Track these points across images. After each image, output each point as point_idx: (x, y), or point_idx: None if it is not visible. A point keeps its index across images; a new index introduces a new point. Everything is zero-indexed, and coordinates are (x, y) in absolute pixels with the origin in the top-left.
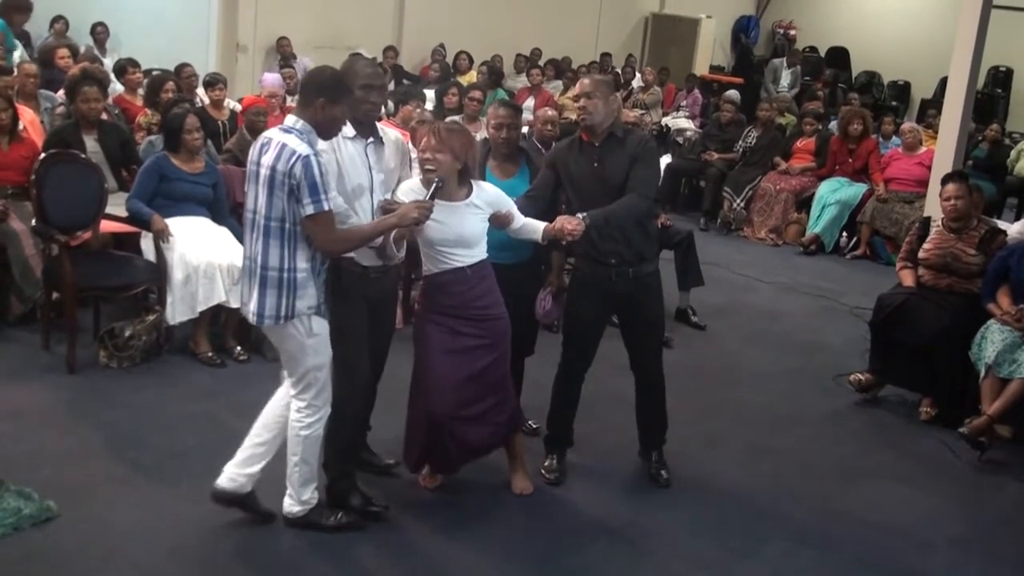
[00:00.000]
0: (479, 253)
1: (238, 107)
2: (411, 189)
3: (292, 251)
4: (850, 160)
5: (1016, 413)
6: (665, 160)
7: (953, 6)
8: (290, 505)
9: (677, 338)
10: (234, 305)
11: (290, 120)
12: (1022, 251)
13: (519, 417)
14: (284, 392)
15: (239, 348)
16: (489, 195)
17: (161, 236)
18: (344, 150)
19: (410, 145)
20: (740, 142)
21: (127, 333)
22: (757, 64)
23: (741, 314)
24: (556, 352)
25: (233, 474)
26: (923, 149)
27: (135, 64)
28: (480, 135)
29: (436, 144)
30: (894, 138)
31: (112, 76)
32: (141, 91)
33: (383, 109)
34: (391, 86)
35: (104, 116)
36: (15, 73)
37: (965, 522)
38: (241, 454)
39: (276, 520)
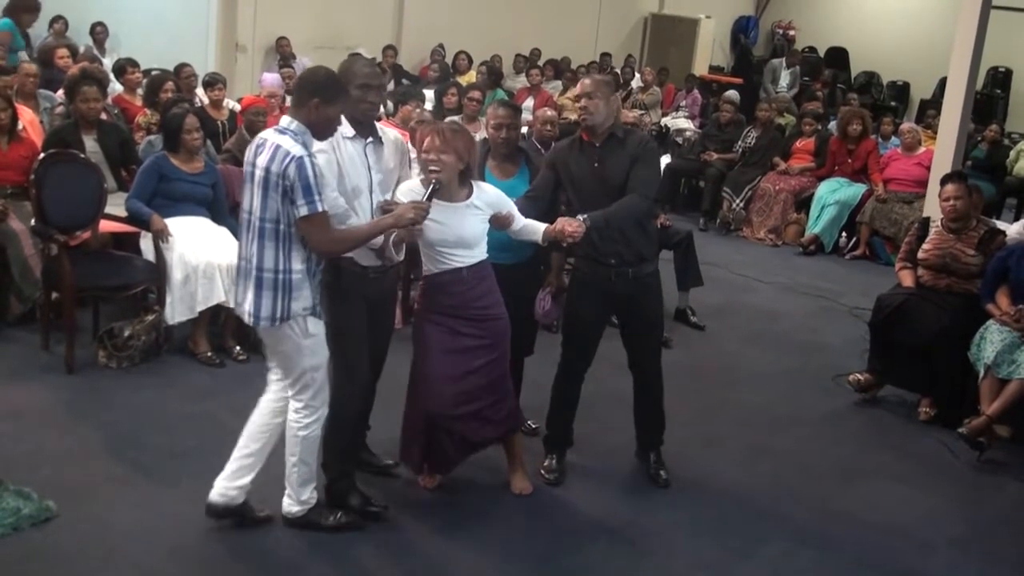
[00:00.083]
0: (479, 254)
1: (237, 107)
2: (411, 190)
3: (287, 252)
4: (849, 160)
5: (1015, 413)
6: (664, 160)
7: (952, 6)
8: (289, 505)
9: (676, 338)
10: (232, 305)
11: (284, 121)
12: (1021, 251)
13: (518, 417)
14: (268, 401)
15: (238, 348)
16: (490, 196)
17: (160, 236)
18: (343, 150)
19: (409, 145)
20: (739, 142)
21: (126, 333)
22: (756, 64)
23: (740, 314)
24: (556, 352)
25: (223, 488)
26: (922, 149)
27: (134, 64)
28: (479, 135)
29: (440, 144)
30: (893, 138)
31: (111, 76)
32: (140, 91)
33: (382, 109)
34: (390, 86)
35: (103, 116)
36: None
37: (964, 522)
38: (230, 466)
39: (275, 520)
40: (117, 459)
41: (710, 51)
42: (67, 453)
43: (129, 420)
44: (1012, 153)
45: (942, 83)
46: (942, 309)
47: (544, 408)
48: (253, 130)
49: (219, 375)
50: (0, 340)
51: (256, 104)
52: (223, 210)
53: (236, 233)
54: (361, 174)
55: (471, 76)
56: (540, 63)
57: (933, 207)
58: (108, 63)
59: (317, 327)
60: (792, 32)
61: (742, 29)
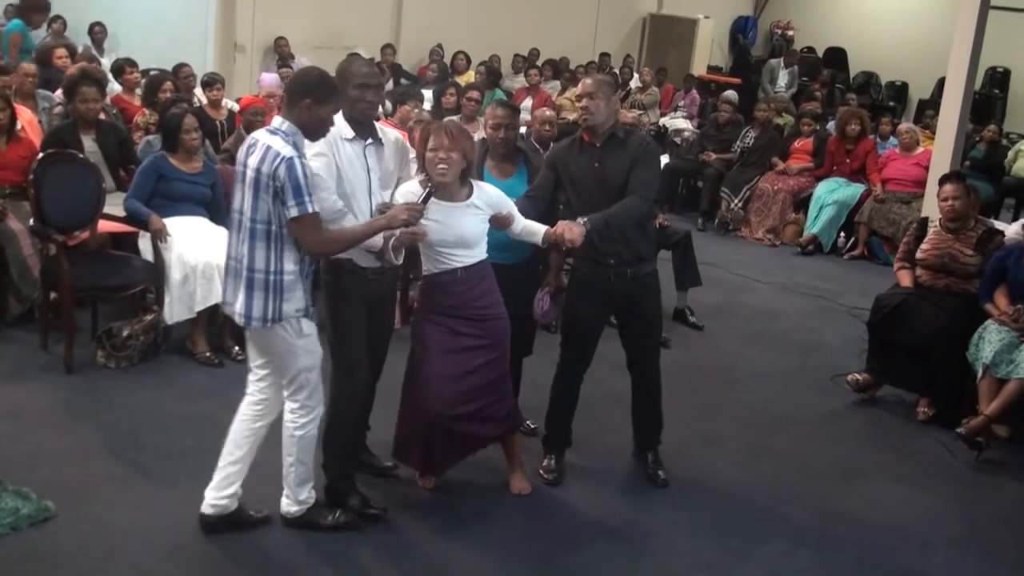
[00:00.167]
0: (479, 254)
1: (236, 107)
2: (410, 192)
3: (279, 254)
4: (848, 160)
5: (1013, 413)
6: (663, 160)
7: (951, 7)
8: (287, 505)
9: (675, 338)
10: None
11: (276, 121)
12: (1019, 251)
13: (517, 417)
14: (248, 405)
15: (237, 348)
16: (490, 196)
17: (159, 236)
18: (342, 152)
19: (407, 145)
20: (738, 142)
21: (125, 333)
22: (755, 64)
23: (739, 314)
24: (554, 352)
25: (213, 499)
26: (920, 150)
27: (133, 64)
28: (478, 135)
29: (449, 143)
30: (891, 138)
31: (110, 76)
32: (139, 91)
33: (380, 109)
34: (389, 85)
35: (102, 116)
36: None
37: (963, 522)
38: (217, 476)
39: (274, 520)
40: (116, 459)
41: (708, 51)
42: (66, 453)
43: (128, 420)
44: (1010, 153)
45: (940, 83)
46: (940, 309)
47: (543, 408)
48: (252, 130)
49: (218, 375)
50: None
51: (255, 104)
52: (222, 210)
53: None
54: (360, 176)
55: (470, 76)
56: (539, 63)
57: (931, 207)
58: (106, 63)
59: (310, 327)
60: (790, 32)
61: (740, 29)
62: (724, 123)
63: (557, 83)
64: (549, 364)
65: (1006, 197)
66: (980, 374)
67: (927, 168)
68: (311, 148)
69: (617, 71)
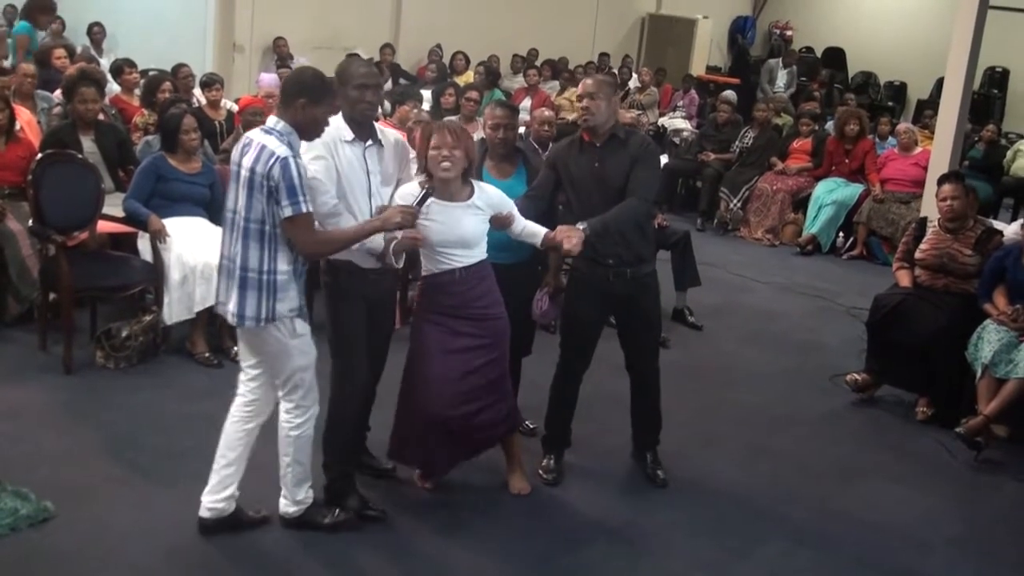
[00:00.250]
0: (479, 254)
1: (235, 107)
2: (409, 194)
3: (272, 253)
4: (846, 160)
5: (1012, 413)
6: (662, 161)
7: (950, 7)
8: (286, 506)
9: (674, 338)
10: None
11: (271, 121)
12: (1018, 251)
13: (517, 417)
14: (239, 406)
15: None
16: (491, 196)
17: (158, 236)
18: (342, 155)
19: (408, 146)
20: (737, 142)
21: (124, 333)
22: (753, 64)
23: (738, 314)
24: (554, 352)
25: (210, 503)
26: (919, 150)
27: (132, 64)
28: (477, 135)
29: (452, 141)
30: (890, 138)
31: (109, 76)
32: (138, 91)
33: (379, 109)
34: (388, 85)
35: (101, 116)
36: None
37: (962, 522)
38: (213, 479)
39: (273, 520)
40: (115, 459)
41: (707, 51)
42: (65, 453)
43: (127, 420)
44: (1009, 153)
45: (939, 83)
46: (939, 309)
47: (542, 408)
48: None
49: (217, 375)
50: None
51: (253, 104)
52: (221, 210)
53: None
54: (360, 179)
55: (469, 76)
56: (538, 63)
57: (930, 207)
58: (105, 63)
59: (304, 327)
60: (789, 32)
61: (739, 29)
62: (723, 123)
63: (556, 83)
64: (548, 364)
65: (1005, 197)
66: (979, 374)
67: (926, 168)
68: (311, 151)
69: (616, 71)
